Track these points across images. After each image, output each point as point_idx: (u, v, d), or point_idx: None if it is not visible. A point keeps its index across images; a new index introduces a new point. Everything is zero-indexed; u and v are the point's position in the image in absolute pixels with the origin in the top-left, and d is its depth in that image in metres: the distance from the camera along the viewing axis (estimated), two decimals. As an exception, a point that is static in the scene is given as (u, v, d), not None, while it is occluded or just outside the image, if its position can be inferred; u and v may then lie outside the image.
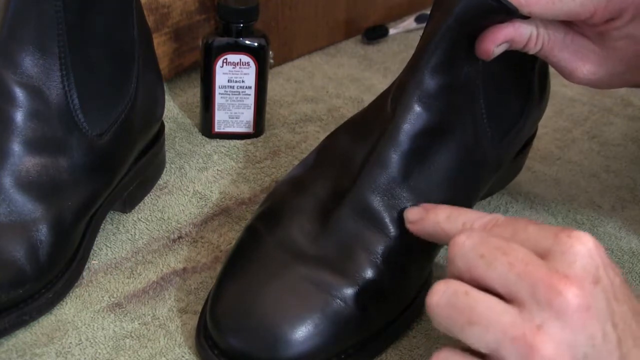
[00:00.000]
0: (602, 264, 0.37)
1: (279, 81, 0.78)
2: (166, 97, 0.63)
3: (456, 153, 0.50)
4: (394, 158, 0.48)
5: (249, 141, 0.68)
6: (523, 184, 0.65)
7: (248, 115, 0.67)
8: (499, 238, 0.38)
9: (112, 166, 0.54)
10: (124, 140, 0.54)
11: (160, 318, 0.49)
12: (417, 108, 0.48)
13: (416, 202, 0.48)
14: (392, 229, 0.47)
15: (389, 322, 0.48)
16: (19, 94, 0.48)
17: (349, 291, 0.45)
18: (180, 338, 0.48)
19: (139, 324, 0.49)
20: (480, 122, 0.51)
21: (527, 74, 0.55)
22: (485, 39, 0.47)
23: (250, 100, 0.67)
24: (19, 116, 0.48)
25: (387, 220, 0.47)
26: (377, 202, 0.47)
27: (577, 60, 0.49)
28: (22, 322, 0.47)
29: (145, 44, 0.57)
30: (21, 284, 0.46)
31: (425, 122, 0.48)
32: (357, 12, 0.86)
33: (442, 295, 0.37)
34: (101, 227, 0.55)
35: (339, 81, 0.79)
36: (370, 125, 0.50)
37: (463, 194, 0.51)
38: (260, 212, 0.51)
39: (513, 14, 0.45)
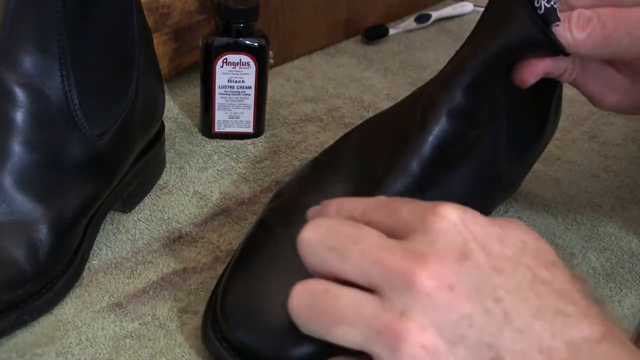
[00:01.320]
0: (473, 237, 0.35)
1: (279, 81, 0.78)
2: (166, 97, 0.63)
3: (475, 169, 0.50)
4: (417, 168, 0.48)
5: (249, 141, 0.68)
6: (523, 184, 0.65)
7: (248, 115, 0.67)
8: (350, 225, 0.36)
9: (112, 166, 0.54)
10: (124, 140, 0.54)
11: (160, 318, 0.49)
12: (445, 121, 0.49)
13: None
14: None
15: None
16: (19, 94, 0.48)
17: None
18: (180, 338, 0.48)
19: (139, 324, 0.49)
20: (500, 141, 0.52)
21: (550, 97, 0.55)
22: (524, 70, 0.48)
23: (250, 100, 0.67)
24: (19, 116, 0.48)
25: None
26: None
27: (607, 91, 0.50)
28: (22, 322, 0.47)
29: (145, 44, 0.57)
30: (21, 284, 0.46)
31: (451, 136, 0.49)
32: (357, 12, 0.86)
33: (301, 297, 0.36)
34: (101, 227, 0.55)
35: (339, 81, 0.79)
36: (393, 131, 0.50)
37: (477, 209, 0.51)
38: (273, 207, 0.50)
39: (560, 52, 0.46)
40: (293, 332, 0.41)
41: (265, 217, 0.50)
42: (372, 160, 0.50)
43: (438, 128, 0.49)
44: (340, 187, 0.49)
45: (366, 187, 0.48)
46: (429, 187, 0.48)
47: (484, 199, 0.52)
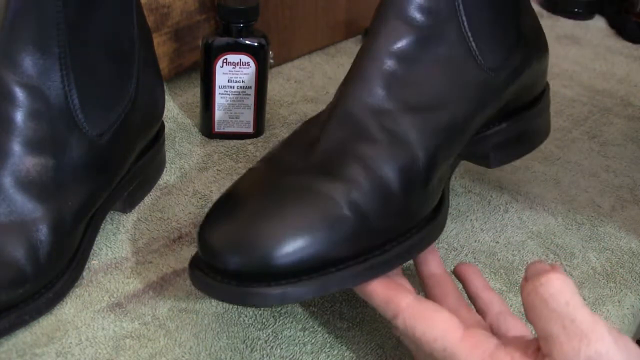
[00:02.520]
0: None
1: (279, 81, 0.78)
2: (166, 97, 0.63)
3: (441, 68, 0.50)
4: (375, 74, 0.48)
5: (249, 141, 0.68)
6: (523, 184, 0.65)
7: (248, 115, 0.67)
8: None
9: (112, 166, 0.54)
10: (124, 140, 0.54)
11: (160, 318, 0.49)
12: (395, 23, 0.49)
13: (402, 110, 0.48)
14: (378, 136, 0.47)
15: (392, 239, 0.46)
16: (19, 94, 0.48)
17: (342, 193, 0.44)
18: (180, 338, 0.48)
19: (139, 324, 0.49)
20: (466, 43, 0.51)
21: (513, 17, 0.55)
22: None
23: (250, 100, 0.67)
24: (19, 116, 0.48)
25: (374, 127, 0.47)
26: (361, 112, 0.47)
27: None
28: (22, 322, 0.47)
29: (145, 44, 0.57)
30: (21, 284, 0.46)
31: (404, 37, 0.49)
32: (357, 12, 0.86)
33: None
34: (101, 227, 0.55)
35: (339, 81, 0.78)
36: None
37: (454, 109, 0.50)
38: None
39: None
40: (276, 245, 0.42)
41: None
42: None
43: (389, 31, 0.49)
44: (314, 122, 0.50)
45: (329, 106, 0.49)
46: (391, 86, 0.48)
47: (463, 102, 0.51)
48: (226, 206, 0.46)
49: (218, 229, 0.44)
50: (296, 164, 0.47)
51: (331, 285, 0.43)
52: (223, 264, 0.43)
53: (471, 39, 0.51)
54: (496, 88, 0.53)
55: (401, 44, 0.49)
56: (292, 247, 0.42)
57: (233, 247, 0.43)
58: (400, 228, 0.47)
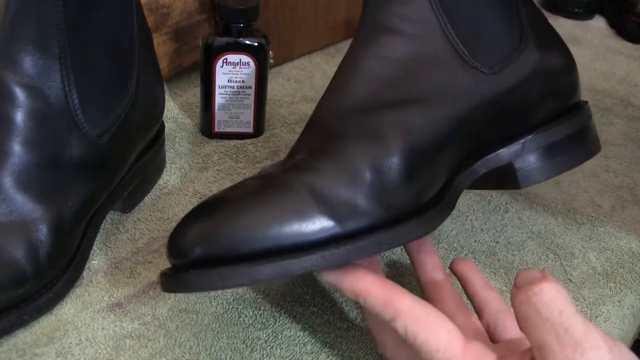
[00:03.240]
0: None
1: (279, 81, 0.78)
2: (166, 97, 0.63)
3: (422, 67, 0.49)
4: (355, 77, 0.49)
5: (249, 141, 0.68)
6: (523, 184, 0.65)
7: (248, 115, 0.67)
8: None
9: (112, 166, 0.54)
10: (124, 140, 0.54)
11: (160, 318, 0.49)
12: (375, 32, 0.50)
13: (380, 107, 0.48)
14: (350, 131, 0.47)
15: (372, 228, 0.45)
16: (19, 94, 0.48)
17: (303, 182, 0.44)
18: (180, 338, 0.48)
19: (139, 324, 0.49)
20: (449, 42, 0.50)
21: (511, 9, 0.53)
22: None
23: (250, 100, 0.67)
24: (19, 116, 0.48)
25: (347, 124, 0.47)
26: (336, 116, 0.48)
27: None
28: (22, 322, 0.47)
29: (145, 44, 0.57)
30: (21, 284, 0.46)
31: (386, 43, 0.49)
32: (357, 12, 0.86)
33: None
34: (101, 227, 0.55)
35: (339, 81, 0.79)
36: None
37: (439, 104, 0.49)
38: None
39: None
40: (243, 229, 0.42)
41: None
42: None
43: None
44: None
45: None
46: (385, 85, 0.48)
47: (451, 111, 0.50)
48: (194, 212, 0.46)
49: (185, 229, 0.44)
50: (270, 173, 0.47)
51: (294, 268, 0.43)
52: (187, 256, 0.43)
53: (454, 36, 0.50)
54: (495, 85, 0.51)
55: (382, 48, 0.49)
56: (257, 234, 0.42)
57: (198, 239, 0.43)
58: (374, 218, 0.45)
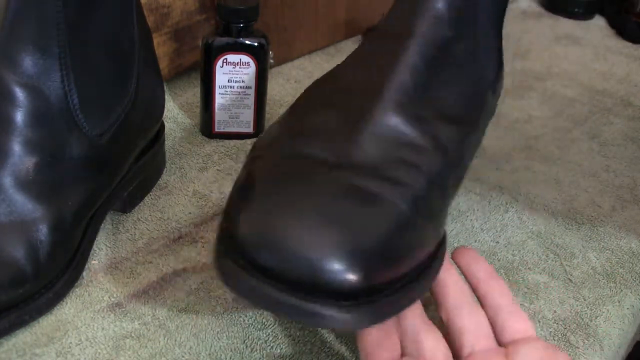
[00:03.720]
0: None
1: (279, 81, 0.78)
2: (166, 97, 0.63)
3: (463, 81, 0.49)
4: (418, 73, 0.47)
5: (249, 141, 0.68)
6: (523, 184, 0.65)
7: (248, 115, 0.67)
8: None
9: (112, 166, 0.54)
10: (124, 140, 0.54)
11: (160, 318, 0.49)
12: (429, 22, 0.48)
13: (436, 118, 0.47)
14: (422, 142, 0.46)
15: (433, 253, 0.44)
16: (19, 94, 0.48)
17: (403, 195, 0.42)
18: (180, 338, 0.48)
19: (139, 324, 0.49)
20: (481, 54, 0.51)
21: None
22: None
23: (250, 100, 0.67)
24: (19, 116, 0.48)
25: (416, 133, 0.46)
26: (399, 116, 0.46)
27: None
28: (22, 322, 0.47)
29: (145, 44, 0.57)
30: (21, 284, 0.46)
31: (437, 39, 0.48)
32: (357, 12, 0.86)
33: None
34: (101, 227, 0.55)
35: (339, 81, 0.79)
36: (369, 65, 0.49)
37: (472, 112, 0.50)
38: (255, 154, 0.47)
39: None
40: (325, 251, 0.38)
41: (253, 155, 0.47)
42: (357, 86, 0.48)
43: (430, 27, 0.48)
44: (328, 115, 0.47)
45: (359, 108, 0.46)
46: (431, 86, 0.47)
47: (479, 105, 0.50)
48: (260, 202, 0.41)
49: (256, 225, 0.40)
50: (338, 159, 0.43)
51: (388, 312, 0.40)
52: (263, 262, 0.39)
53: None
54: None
55: (433, 47, 0.48)
56: (360, 258, 0.38)
57: (274, 248, 0.39)
58: (437, 239, 0.45)
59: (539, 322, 0.51)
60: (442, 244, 0.46)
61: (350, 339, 0.49)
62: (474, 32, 0.50)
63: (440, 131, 0.46)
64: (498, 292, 0.45)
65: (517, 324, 0.44)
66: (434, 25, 0.48)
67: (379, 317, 0.40)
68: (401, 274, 0.41)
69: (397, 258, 0.41)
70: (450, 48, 0.49)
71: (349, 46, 0.86)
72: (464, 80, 0.49)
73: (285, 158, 0.44)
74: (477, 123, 0.50)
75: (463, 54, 0.49)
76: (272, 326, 0.49)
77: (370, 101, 0.46)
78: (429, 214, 0.43)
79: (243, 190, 0.43)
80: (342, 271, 0.38)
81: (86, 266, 0.52)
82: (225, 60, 0.64)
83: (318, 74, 0.80)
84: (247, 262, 0.39)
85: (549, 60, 0.90)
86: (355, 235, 0.39)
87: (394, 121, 0.45)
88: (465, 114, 0.49)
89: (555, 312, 0.52)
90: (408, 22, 0.48)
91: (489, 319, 0.44)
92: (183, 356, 0.47)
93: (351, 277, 0.38)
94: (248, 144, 0.67)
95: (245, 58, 0.65)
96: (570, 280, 0.55)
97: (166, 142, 0.64)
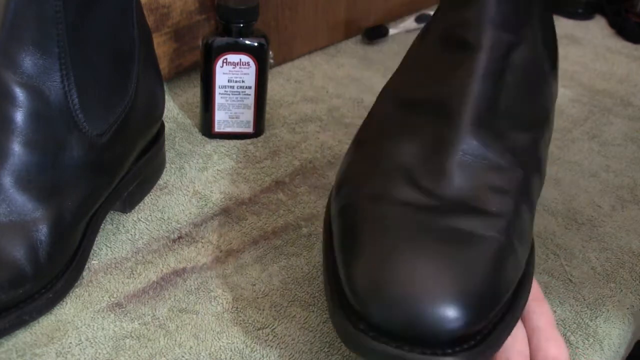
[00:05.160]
0: None
1: (279, 81, 0.78)
2: (166, 97, 0.63)
3: (524, 70, 0.48)
4: (488, 86, 0.46)
5: (249, 141, 0.68)
6: (523, 184, 0.65)
7: (248, 115, 0.67)
8: None
9: (112, 166, 0.54)
10: (124, 140, 0.54)
11: (160, 318, 0.49)
12: (496, 33, 0.47)
13: (509, 124, 0.46)
14: (503, 163, 0.45)
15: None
16: (19, 94, 0.48)
17: (503, 230, 0.42)
18: (180, 338, 0.48)
19: (139, 324, 0.49)
20: (539, 49, 0.50)
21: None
22: None
23: (250, 100, 0.67)
24: (19, 116, 0.48)
25: (496, 153, 0.45)
26: (482, 139, 0.45)
27: None
28: (22, 322, 0.47)
29: (145, 44, 0.57)
30: (21, 284, 0.46)
31: (506, 40, 0.47)
32: (357, 12, 0.86)
33: None
34: (101, 227, 0.55)
35: (339, 81, 0.79)
36: (433, 74, 0.48)
37: (540, 111, 0.49)
38: (341, 197, 0.47)
39: None
40: (444, 303, 0.38)
41: (345, 203, 0.46)
42: (430, 106, 0.47)
43: (494, 41, 0.47)
44: (409, 148, 0.46)
45: (439, 136, 0.45)
46: (500, 100, 0.46)
47: (541, 102, 0.50)
48: (367, 253, 0.41)
49: (368, 280, 0.40)
50: (430, 201, 0.43)
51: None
52: (379, 319, 0.39)
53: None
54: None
55: (500, 55, 0.47)
56: (474, 304, 0.39)
57: (392, 305, 0.39)
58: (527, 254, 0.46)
59: (539, 322, 0.51)
60: (530, 255, 0.46)
61: (350, 339, 0.49)
62: (531, 29, 0.49)
63: (517, 142, 0.46)
64: (540, 314, 0.45)
65: (551, 349, 0.44)
66: (499, 31, 0.47)
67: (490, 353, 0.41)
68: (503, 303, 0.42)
69: (504, 291, 0.41)
70: (514, 52, 0.48)
71: (349, 46, 0.86)
72: (527, 82, 0.49)
73: (381, 205, 0.44)
74: (547, 119, 0.50)
75: (524, 54, 0.49)
76: (272, 326, 0.49)
77: (448, 125, 0.46)
78: (520, 234, 0.44)
79: (347, 245, 0.43)
80: (458, 319, 0.38)
81: (86, 266, 0.52)
82: (225, 60, 0.64)
83: (318, 74, 0.80)
84: (365, 323, 0.40)
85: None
86: (467, 281, 0.39)
87: (474, 145, 0.45)
88: (534, 114, 0.49)
89: (555, 312, 0.52)
90: (473, 30, 0.47)
91: (528, 339, 0.44)
92: (183, 356, 0.47)
93: (468, 322, 0.39)
94: (248, 144, 0.67)
95: (245, 58, 0.65)
96: (570, 280, 0.55)
97: (166, 142, 0.64)
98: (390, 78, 0.53)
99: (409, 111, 0.48)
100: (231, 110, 0.67)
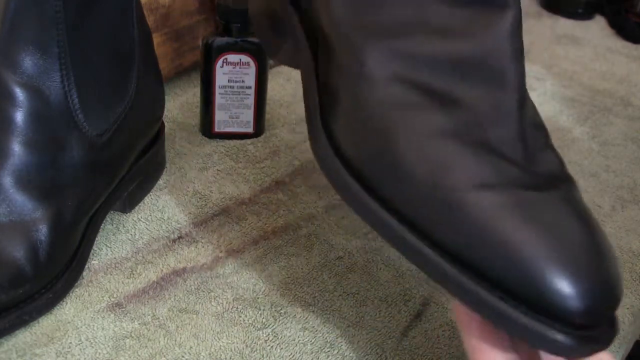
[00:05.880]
0: None
1: (279, 81, 0.78)
2: (166, 97, 0.63)
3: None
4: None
5: (249, 141, 0.68)
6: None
7: (248, 115, 0.67)
8: None
9: (112, 166, 0.54)
10: (124, 140, 0.54)
11: (160, 318, 0.49)
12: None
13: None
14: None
15: None
16: (19, 94, 0.48)
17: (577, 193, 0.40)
18: (180, 338, 0.48)
19: (139, 324, 0.49)
20: None
21: None
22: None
23: (250, 100, 0.67)
24: (19, 116, 0.48)
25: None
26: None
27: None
28: (22, 322, 0.47)
29: (145, 44, 0.57)
30: (21, 284, 0.46)
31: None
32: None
33: None
34: (101, 227, 0.55)
35: (339, 81, 0.78)
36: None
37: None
38: None
39: None
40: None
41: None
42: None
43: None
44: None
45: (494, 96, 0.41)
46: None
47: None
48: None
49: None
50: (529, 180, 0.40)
51: None
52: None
53: None
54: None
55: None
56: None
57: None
58: None
59: (539, 322, 0.51)
60: None
61: (351, 339, 0.49)
62: None
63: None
64: None
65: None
66: None
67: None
68: None
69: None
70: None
71: (349, 46, 0.86)
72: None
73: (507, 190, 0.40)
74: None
75: None
76: (272, 326, 0.49)
77: (504, 89, 0.41)
78: None
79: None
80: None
81: (86, 266, 0.52)
82: (225, 60, 0.65)
83: (318, 74, 0.80)
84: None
85: (549, 60, 0.90)
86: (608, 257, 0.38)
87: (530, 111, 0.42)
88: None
89: (555, 312, 0.52)
90: None
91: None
92: (183, 356, 0.47)
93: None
94: (248, 144, 0.67)
95: (245, 58, 0.65)
96: (570, 280, 0.55)
97: (166, 142, 0.64)
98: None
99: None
100: (231, 110, 0.67)
